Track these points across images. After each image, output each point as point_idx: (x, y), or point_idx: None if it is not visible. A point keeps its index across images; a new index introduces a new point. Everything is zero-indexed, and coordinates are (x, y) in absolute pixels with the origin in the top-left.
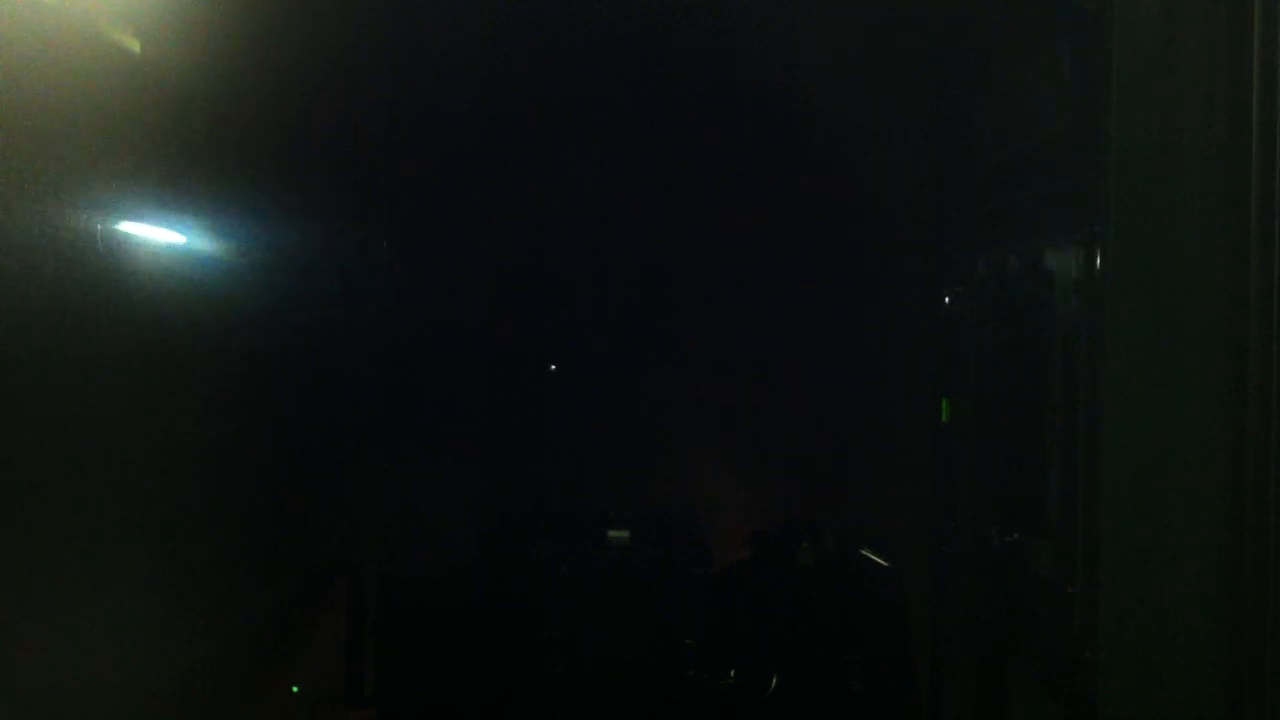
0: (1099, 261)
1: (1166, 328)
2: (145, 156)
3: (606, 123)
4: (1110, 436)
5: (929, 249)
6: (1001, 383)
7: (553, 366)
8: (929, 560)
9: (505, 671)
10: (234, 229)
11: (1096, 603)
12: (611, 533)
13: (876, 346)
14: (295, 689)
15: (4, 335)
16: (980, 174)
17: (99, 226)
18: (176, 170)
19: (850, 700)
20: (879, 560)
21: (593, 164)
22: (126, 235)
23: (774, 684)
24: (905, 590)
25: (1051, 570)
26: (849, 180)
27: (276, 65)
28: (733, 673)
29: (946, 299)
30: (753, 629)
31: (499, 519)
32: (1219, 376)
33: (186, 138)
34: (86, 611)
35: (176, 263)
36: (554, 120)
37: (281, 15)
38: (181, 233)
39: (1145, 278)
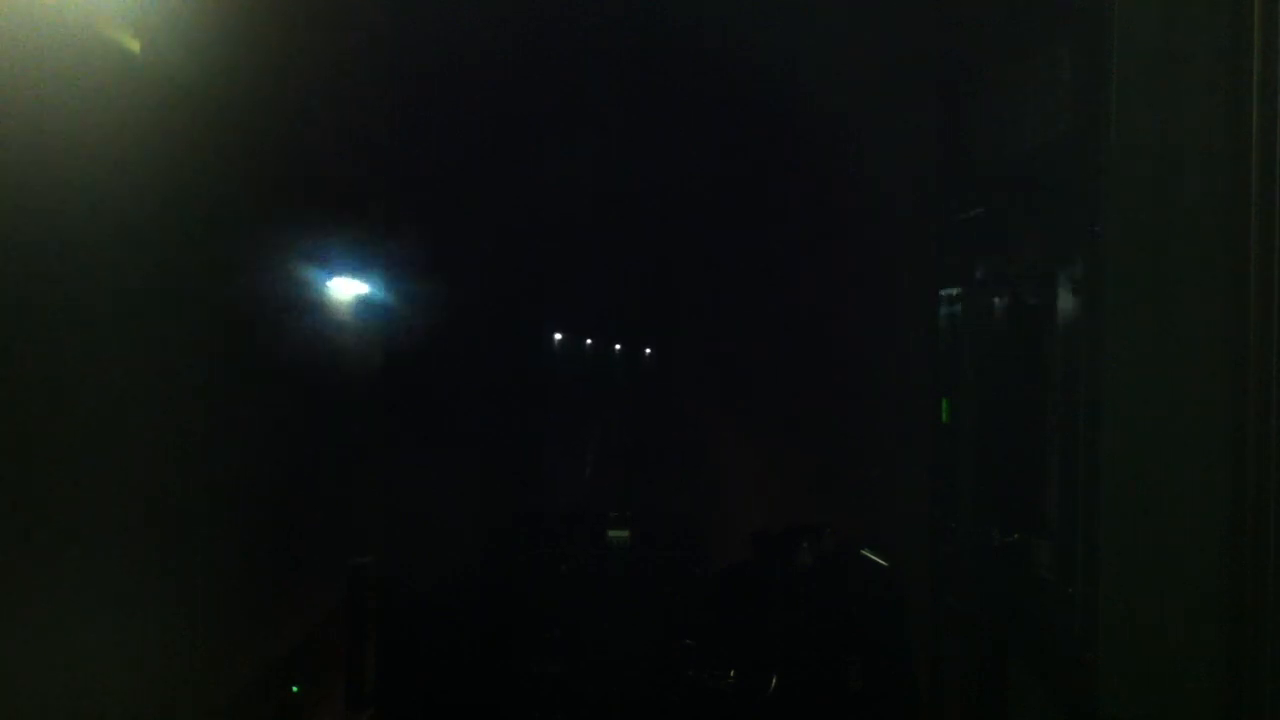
0: (1099, 261)
1: (1166, 328)
2: (146, 158)
3: (608, 130)
4: (1110, 436)
5: (929, 250)
6: (1001, 383)
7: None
8: (929, 560)
9: (505, 671)
10: (234, 234)
11: (1096, 603)
12: (612, 533)
13: (877, 347)
14: (295, 689)
15: None
16: (980, 175)
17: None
18: (179, 173)
19: (850, 700)
20: (879, 560)
21: (596, 171)
22: (131, 241)
23: (774, 684)
24: (905, 590)
25: (1051, 570)
26: (849, 181)
27: (278, 67)
28: (733, 673)
29: (946, 300)
30: (753, 629)
31: (499, 520)
32: (1219, 376)
33: (187, 138)
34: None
35: (177, 271)
36: (558, 127)
37: (284, 18)
38: (183, 238)
39: (1145, 278)
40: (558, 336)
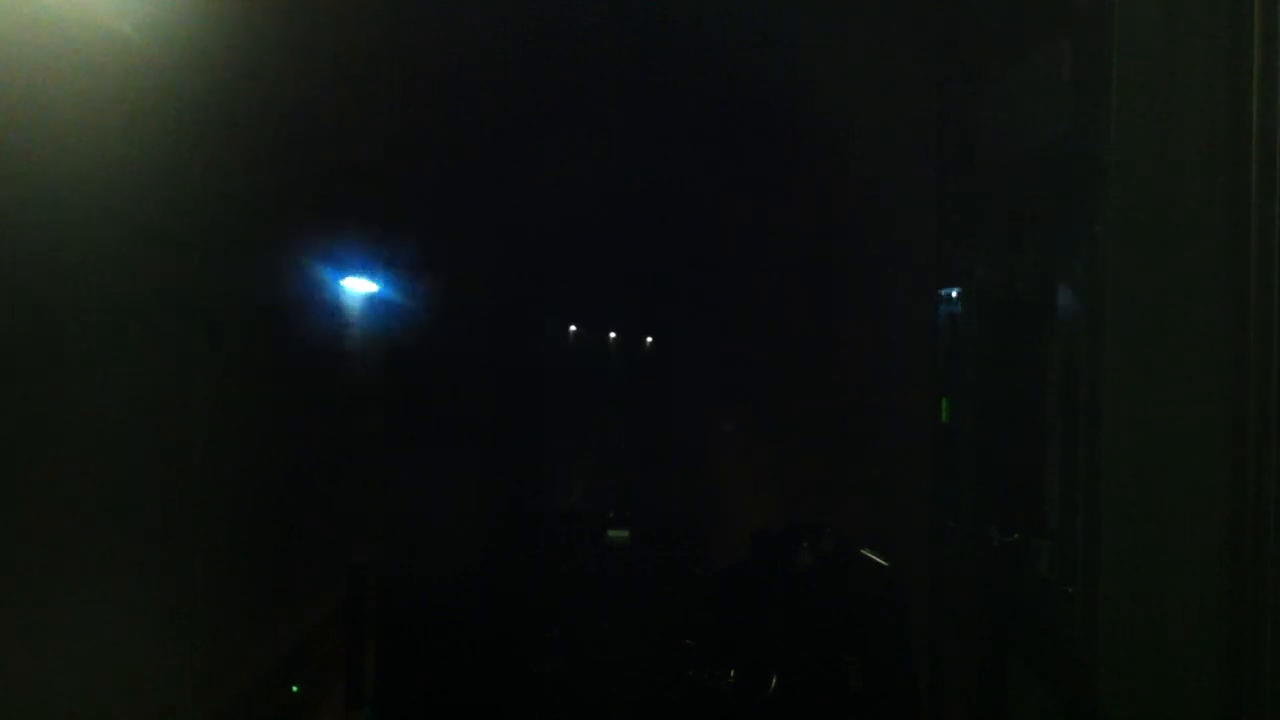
0: (1099, 261)
1: (1166, 327)
2: (146, 157)
3: (610, 131)
4: (1110, 436)
5: (929, 250)
6: (1001, 383)
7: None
8: (929, 560)
9: (505, 671)
10: (234, 235)
11: (1096, 603)
12: (611, 533)
13: (877, 347)
14: (295, 689)
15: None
16: (980, 174)
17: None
18: (178, 171)
19: (850, 700)
20: (879, 560)
21: (596, 172)
22: (132, 241)
23: (774, 684)
24: (905, 590)
25: (1051, 570)
26: (849, 181)
27: (282, 69)
28: (733, 673)
29: (946, 300)
30: (753, 629)
31: (499, 520)
32: (1219, 376)
33: (189, 138)
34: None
35: (178, 270)
36: (558, 129)
37: (286, 17)
38: (183, 239)
39: (1145, 278)
40: (553, 331)
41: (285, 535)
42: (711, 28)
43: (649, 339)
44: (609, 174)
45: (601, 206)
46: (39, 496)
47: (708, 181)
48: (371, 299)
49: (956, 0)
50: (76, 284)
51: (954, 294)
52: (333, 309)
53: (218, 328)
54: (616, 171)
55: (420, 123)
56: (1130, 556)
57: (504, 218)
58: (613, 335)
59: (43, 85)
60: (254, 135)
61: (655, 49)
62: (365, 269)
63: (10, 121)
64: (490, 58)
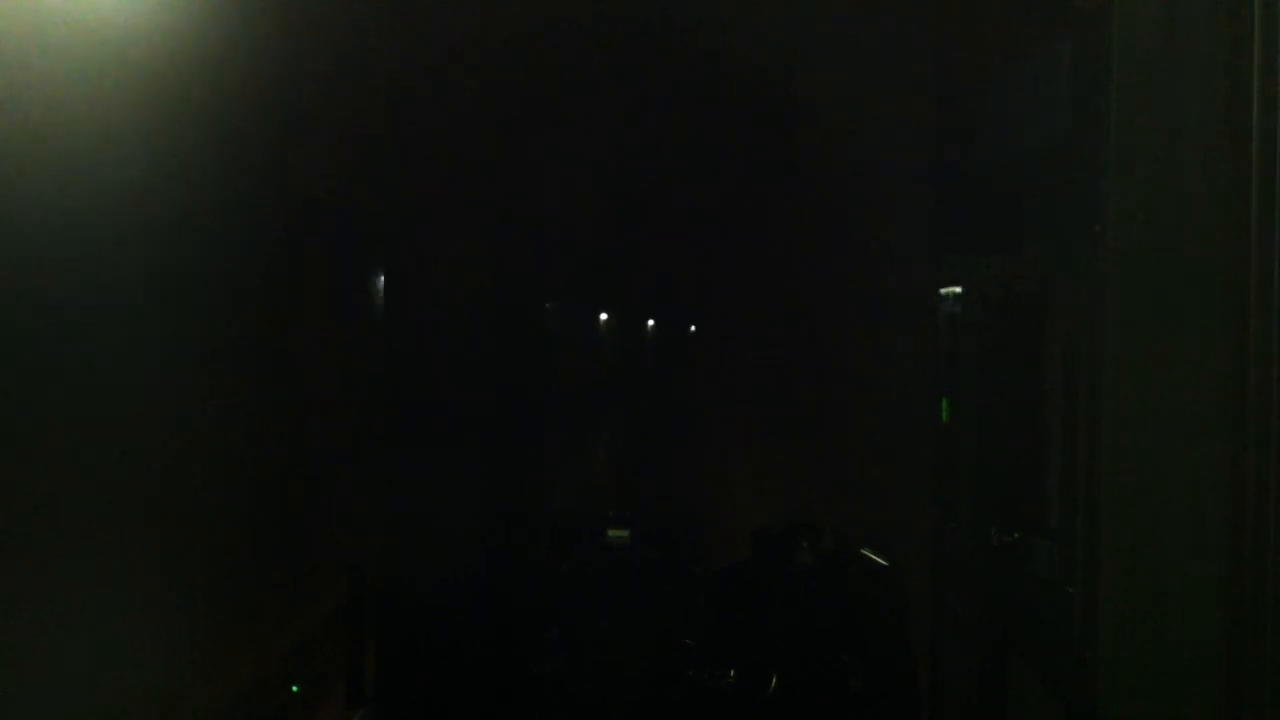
0: (1099, 261)
1: (1167, 327)
2: (146, 157)
3: (609, 128)
4: (1110, 436)
5: (929, 250)
6: (1001, 382)
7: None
8: (929, 560)
9: (505, 671)
10: (232, 231)
11: (1096, 603)
12: (611, 532)
13: (877, 347)
14: (295, 689)
15: None
16: (980, 174)
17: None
18: (173, 170)
19: (850, 700)
20: (879, 560)
21: (593, 172)
22: (132, 241)
23: (774, 684)
24: (905, 590)
25: (1051, 570)
26: (849, 180)
27: (276, 67)
28: (733, 673)
29: (946, 300)
30: (753, 629)
31: (499, 520)
32: (1219, 376)
33: (188, 138)
34: None
35: (170, 268)
36: (558, 127)
37: (282, 17)
38: (178, 237)
39: (1145, 278)
40: (551, 323)
41: (285, 535)
42: (711, 28)
43: (649, 322)
44: (606, 167)
45: (599, 199)
46: (37, 494)
47: (706, 181)
48: (373, 298)
49: (956, 0)
50: (76, 284)
51: (954, 294)
52: (333, 308)
53: (219, 327)
54: (615, 165)
55: (423, 118)
56: (1130, 556)
57: (502, 206)
58: (604, 316)
59: None
60: (252, 136)
61: (654, 49)
62: (365, 268)
63: None
64: (491, 56)
